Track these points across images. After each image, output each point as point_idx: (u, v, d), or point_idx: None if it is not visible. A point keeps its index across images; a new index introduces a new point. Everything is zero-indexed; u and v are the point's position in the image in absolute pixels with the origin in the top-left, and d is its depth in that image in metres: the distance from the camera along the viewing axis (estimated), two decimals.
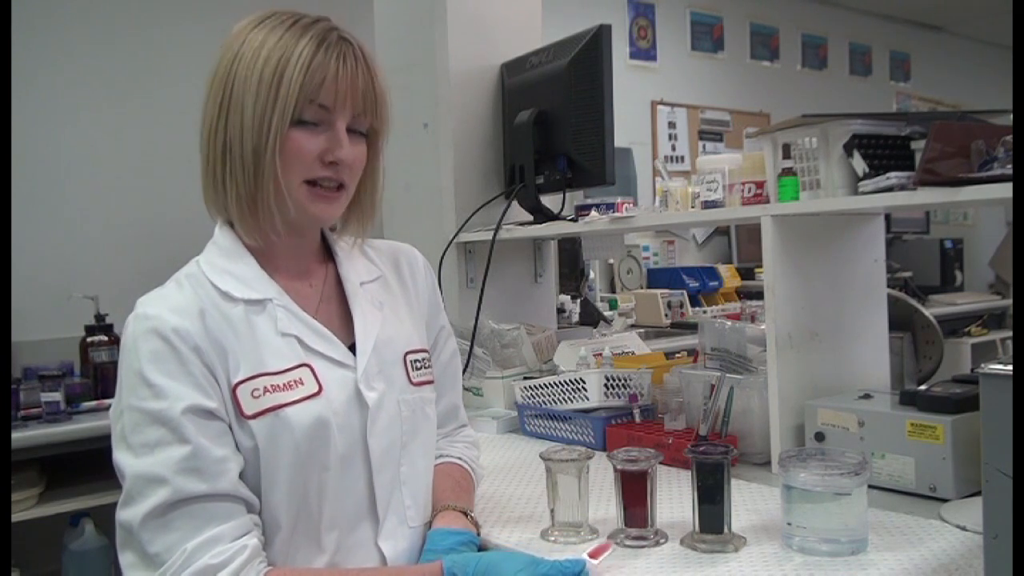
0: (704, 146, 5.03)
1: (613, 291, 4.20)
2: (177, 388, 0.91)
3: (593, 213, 1.82)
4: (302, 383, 0.98)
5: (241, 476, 0.94)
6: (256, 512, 0.95)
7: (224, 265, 1.02)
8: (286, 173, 0.98)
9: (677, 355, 2.11)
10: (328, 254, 1.14)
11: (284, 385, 0.97)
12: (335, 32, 1.00)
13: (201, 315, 0.96)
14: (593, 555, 0.97)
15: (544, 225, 1.96)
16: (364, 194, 1.10)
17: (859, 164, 1.30)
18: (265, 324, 0.99)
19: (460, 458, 1.23)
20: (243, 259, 1.03)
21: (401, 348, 1.10)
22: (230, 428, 0.94)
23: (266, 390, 0.95)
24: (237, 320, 0.98)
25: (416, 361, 1.12)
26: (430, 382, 1.14)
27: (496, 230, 2.00)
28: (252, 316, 0.99)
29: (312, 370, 0.99)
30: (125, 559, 0.91)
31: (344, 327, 1.08)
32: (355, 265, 1.14)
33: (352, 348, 1.05)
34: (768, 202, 1.49)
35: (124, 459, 0.91)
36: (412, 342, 1.13)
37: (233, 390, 0.95)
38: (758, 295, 3.89)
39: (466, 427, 1.31)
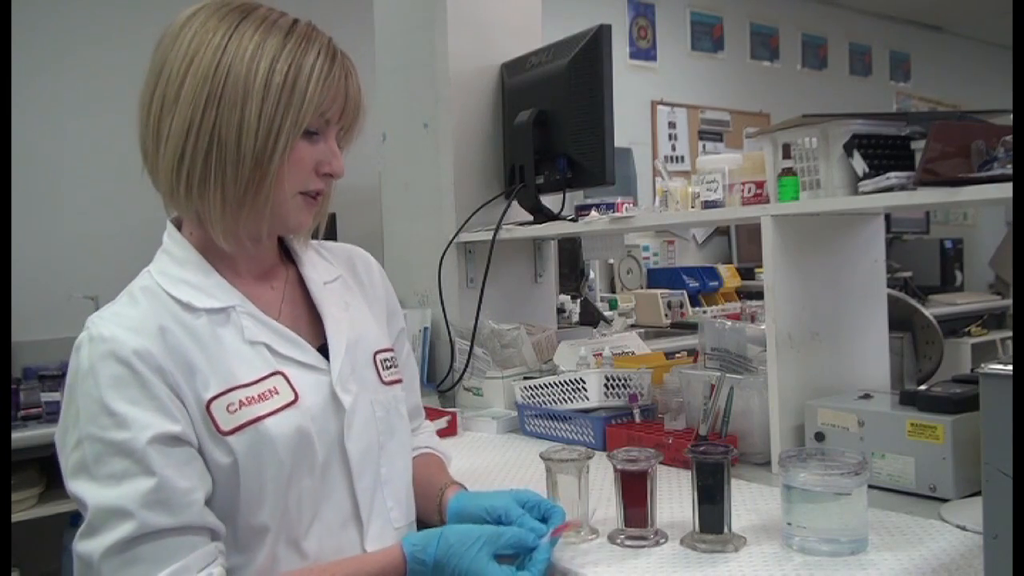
0: (704, 146, 5.03)
1: (613, 291, 4.20)
2: (141, 416, 0.87)
3: (593, 213, 1.82)
4: (277, 392, 0.95)
5: (212, 497, 0.91)
6: (220, 539, 0.91)
7: (179, 274, 0.98)
8: (287, 182, 0.96)
9: (677, 355, 2.11)
10: (285, 255, 1.12)
11: (259, 396, 0.93)
12: (334, 46, 1.00)
13: (161, 332, 0.91)
14: (555, 533, 0.99)
15: (544, 225, 1.96)
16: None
17: (859, 164, 1.30)
18: (231, 334, 0.96)
19: (434, 448, 1.27)
20: (199, 267, 0.99)
21: (370, 348, 1.09)
22: (199, 449, 0.91)
23: (241, 403, 0.92)
24: (201, 332, 0.94)
25: (385, 360, 1.11)
26: (399, 381, 1.13)
27: (496, 230, 2.00)
28: (216, 327, 0.95)
29: (286, 377, 0.97)
30: None
31: (310, 329, 1.06)
32: (315, 265, 1.12)
33: (320, 350, 1.03)
34: (768, 202, 1.49)
35: (86, 489, 0.86)
36: (380, 342, 1.12)
37: (207, 407, 0.91)
38: (758, 295, 3.89)
39: (426, 420, 1.34)
